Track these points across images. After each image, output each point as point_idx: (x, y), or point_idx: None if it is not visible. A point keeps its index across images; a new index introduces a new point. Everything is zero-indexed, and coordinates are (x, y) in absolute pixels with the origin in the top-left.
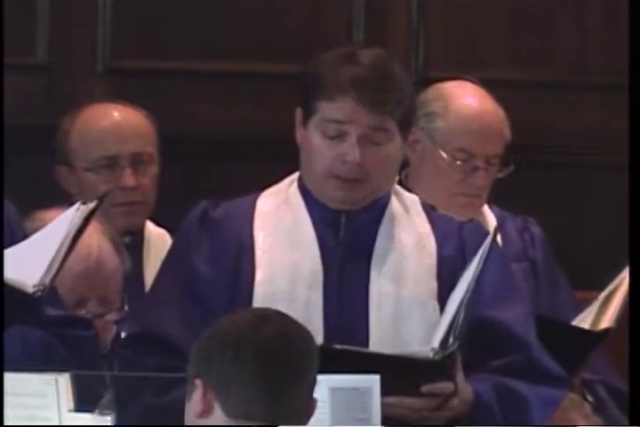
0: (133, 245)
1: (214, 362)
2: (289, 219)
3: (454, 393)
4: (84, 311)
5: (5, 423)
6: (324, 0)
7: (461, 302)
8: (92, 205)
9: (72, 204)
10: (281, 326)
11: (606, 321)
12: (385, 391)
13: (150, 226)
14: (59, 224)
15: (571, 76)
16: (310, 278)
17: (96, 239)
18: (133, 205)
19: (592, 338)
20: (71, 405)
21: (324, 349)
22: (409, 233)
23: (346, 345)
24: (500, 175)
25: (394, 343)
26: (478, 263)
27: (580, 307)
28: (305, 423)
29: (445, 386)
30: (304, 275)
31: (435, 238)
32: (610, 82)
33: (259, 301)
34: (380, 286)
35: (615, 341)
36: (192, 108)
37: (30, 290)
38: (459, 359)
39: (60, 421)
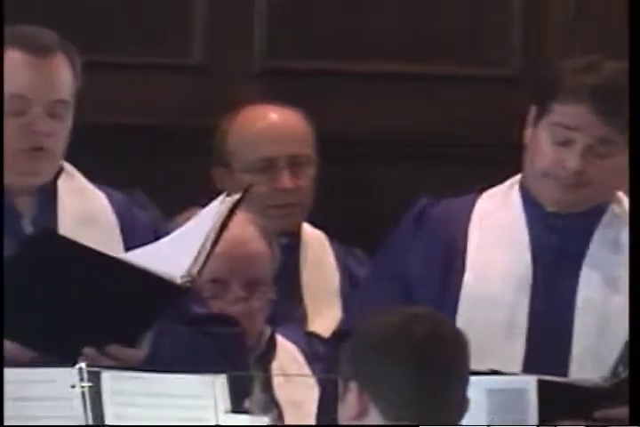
0: (290, 246)
1: (369, 364)
2: (505, 219)
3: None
4: (226, 294)
5: (172, 424)
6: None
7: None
8: (236, 196)
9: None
10: (433, 325)
11: None
12: (557, 417)
13: (307, 228)
14: (204, 217)
15: None
16: (519, 281)
17: (238, 223)
18: (290, 207)
19: None
20: (228, 406)
21: (495, 373)
22: (624, 241)
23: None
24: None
25: (598, 352)
26: None
27: None
28: (458, 423)
29: (619, 412)
30: (513, 277)
31: None
32: None
33: (465, 301)
34: (588, 294)
35: None
36: (349, 109)
37: (178, 281)
38: None
39: (217, 421)
